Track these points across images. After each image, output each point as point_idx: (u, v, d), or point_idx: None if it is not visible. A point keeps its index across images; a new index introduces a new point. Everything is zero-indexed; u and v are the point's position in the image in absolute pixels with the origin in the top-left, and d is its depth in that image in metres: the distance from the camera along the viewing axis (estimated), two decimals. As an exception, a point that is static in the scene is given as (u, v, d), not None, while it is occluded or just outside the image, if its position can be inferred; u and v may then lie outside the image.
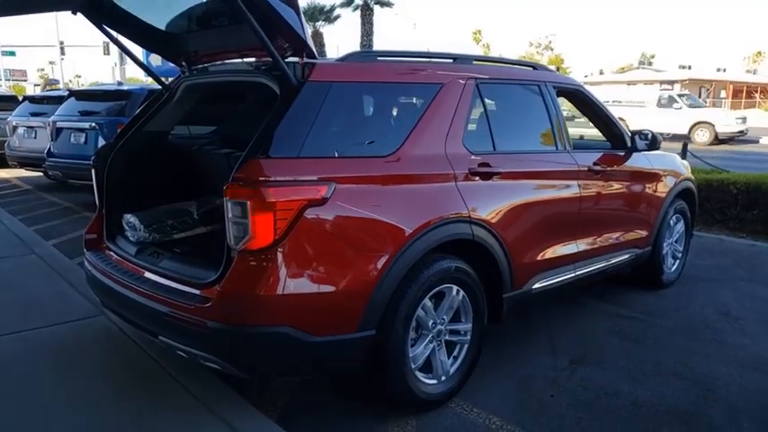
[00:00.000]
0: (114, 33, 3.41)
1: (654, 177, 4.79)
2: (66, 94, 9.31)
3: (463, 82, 3.32)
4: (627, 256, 4.59)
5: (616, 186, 4.38)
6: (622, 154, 4.54)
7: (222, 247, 2.64)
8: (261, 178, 2.49)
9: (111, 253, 3.41)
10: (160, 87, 3.71)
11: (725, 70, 57.80)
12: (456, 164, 3.13)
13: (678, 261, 5.39)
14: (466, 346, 3.30)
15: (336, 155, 2.73)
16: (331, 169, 2.67)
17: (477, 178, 3.23)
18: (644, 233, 4.74)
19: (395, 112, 3.22)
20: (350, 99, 2.93)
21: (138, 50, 3.78)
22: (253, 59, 3.26)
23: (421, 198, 2.97)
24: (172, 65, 3.63)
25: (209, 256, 2.94)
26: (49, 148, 8.51)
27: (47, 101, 10.51)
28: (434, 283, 3.01)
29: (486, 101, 3.49)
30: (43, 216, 7.92)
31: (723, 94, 49.48)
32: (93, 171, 3.52)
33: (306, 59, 2.83)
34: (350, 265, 2.69)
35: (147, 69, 3.67)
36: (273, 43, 2.66)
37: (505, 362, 3.72)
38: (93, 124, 8.02)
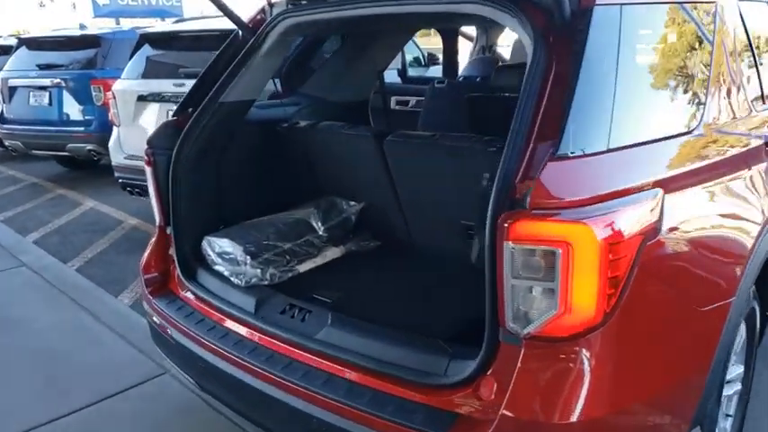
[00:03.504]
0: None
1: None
2: (15, 43, 7.52)
3: None
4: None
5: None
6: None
7: (459, 308, 1.48)
8: (571, 200, 1.30)
9: (199, 302, 2.13)
10: (235, 30, 2.36)
11: None
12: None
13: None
14: (736, 396, 2.27)
15: (643, 140, 1.55)
16: (649, 166, 1.50)
17: (773, 151, 2.11)
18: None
19: (685, 54, 1.97)
20: (640, 36, 1.72)
21: None
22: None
23: (745, 195, 1.83)
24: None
25: (393, 309, 1.76)
26: (2, 113, 6.87)
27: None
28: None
29: (749, 28, 2.31)
30: (8, 198, 6.38)
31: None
32: (148, 169, 2.21)
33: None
34: (689, 333, 1.56)
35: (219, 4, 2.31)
36: None
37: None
38: (58, 80, 6.40)
